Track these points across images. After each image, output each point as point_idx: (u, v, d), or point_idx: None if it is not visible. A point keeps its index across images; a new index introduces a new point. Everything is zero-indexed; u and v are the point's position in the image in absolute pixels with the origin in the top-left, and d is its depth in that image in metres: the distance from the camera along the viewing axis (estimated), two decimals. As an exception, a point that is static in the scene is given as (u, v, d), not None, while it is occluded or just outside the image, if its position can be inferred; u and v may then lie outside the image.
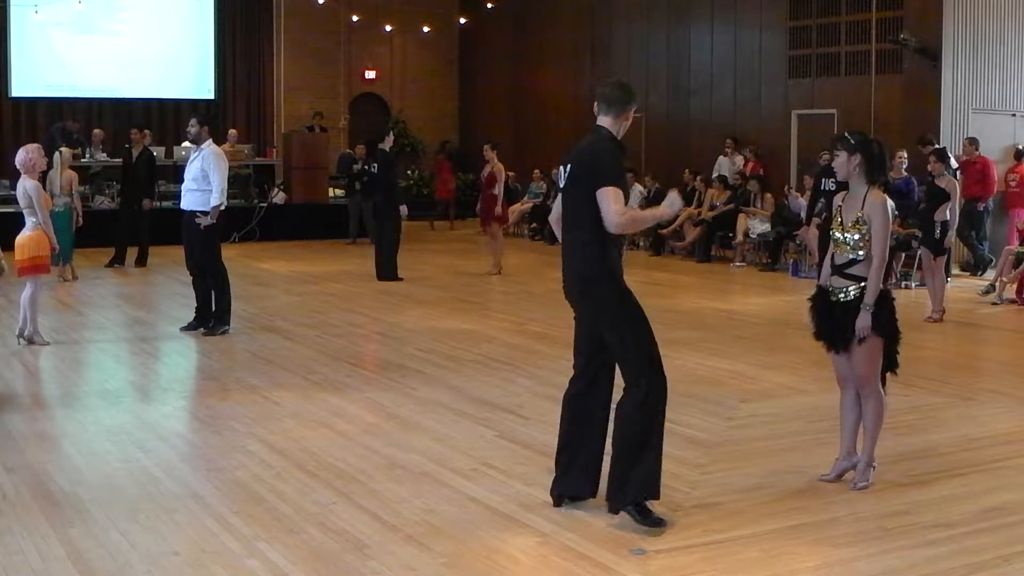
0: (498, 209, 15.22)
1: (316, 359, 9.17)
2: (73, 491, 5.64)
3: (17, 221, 16.27)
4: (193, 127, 10.39)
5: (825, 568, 4.70)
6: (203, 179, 10.10)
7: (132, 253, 15.90)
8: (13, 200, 19.26)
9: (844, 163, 5.66)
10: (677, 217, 15.03)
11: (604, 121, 5.39)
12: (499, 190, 15.11)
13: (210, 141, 10.32)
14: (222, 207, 10.17)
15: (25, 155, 9.58)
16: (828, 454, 6.16)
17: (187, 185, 10.29)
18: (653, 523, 5.05)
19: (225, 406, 7.74)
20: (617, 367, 5.26)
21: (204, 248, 10.30)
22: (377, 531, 5.05)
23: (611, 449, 5.20)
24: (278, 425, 6.97)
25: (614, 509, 5.16)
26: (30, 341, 9.61)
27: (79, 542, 4.90)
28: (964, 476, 5.98)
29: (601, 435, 5.35)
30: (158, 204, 18.43)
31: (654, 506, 5.14)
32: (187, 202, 10.29)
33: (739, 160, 17.91)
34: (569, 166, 5.33)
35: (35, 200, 9.47)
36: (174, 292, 12.74)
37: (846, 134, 5.79)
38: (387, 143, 14.95)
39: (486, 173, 15.27)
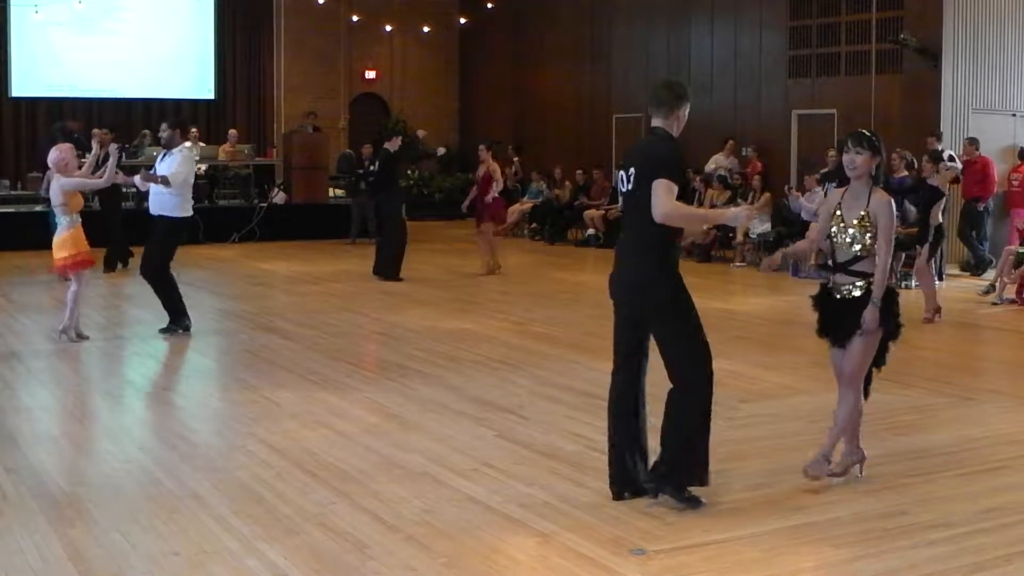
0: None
1: (316, 359, 9.17)
2: (73, 491, 5.64)
3: (16, 220, 16.33)
4: (165, 131, 10.31)
5: (825, 568, 4.70)
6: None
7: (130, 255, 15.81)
8: (12, 200, 19.42)
9: (866, 162, 5.66)
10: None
11: (657, 122, 5.44)
12: (497, 190, 15.08)
13: (183, 144, 10.23)
14: (171, 187, 9.91)
15: (58, 154, 9.69)
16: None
17: (155, 188, 10.12)
18: (691, 503, 5.29)
19: (225, 406, 7.75)
20: (664, 363, 5.38)
21: (156, 251, 10.17)
22: (377, 531, 5.05)
23: (662, 435, 5.36)
24: (278, 425, 6.97)
25: (657, 491, 5.35)
26: (77, 334, 9.76)
27: (79, 542, 4.90)
28: (964, 476, 5.98)
29: (644, 427, 5.49)
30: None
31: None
32: (155, 206, 10.16)
33: (733, 160, 17.90)
34: (632, 169, 5.35)
35: (64, 198, 9.58)
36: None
37: (869, 134, 5.77)
38: (393, 144, 14.98)
39: (481, 173, 15.25)
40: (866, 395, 5.91)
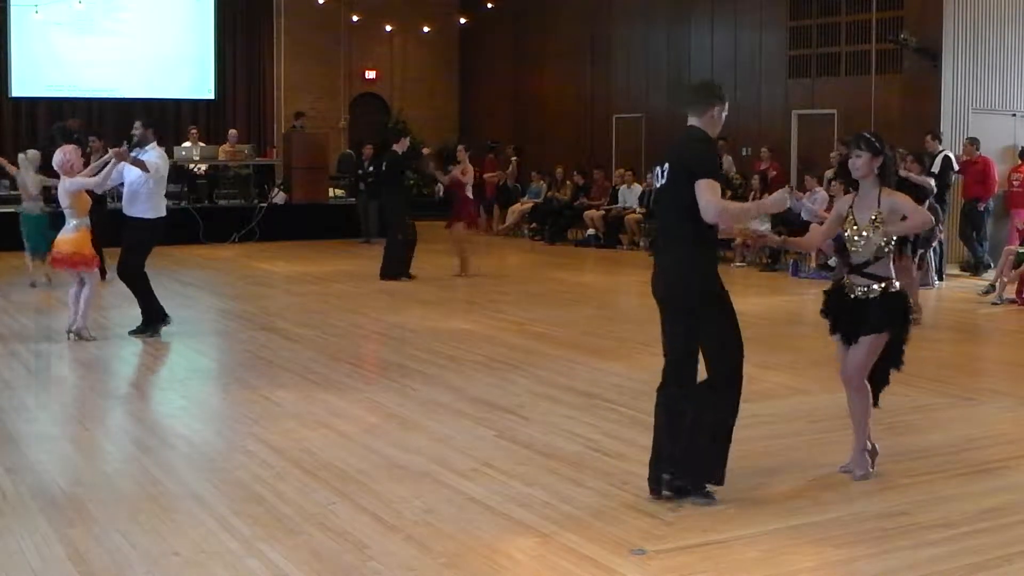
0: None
1: (316, 359, 9.17)
2: (73, 491, 5.64)
3: (16, 220, 16.28)
4: (138, 130, 10.25)
5: (825, 568, 4.70)
6: (145, 182, 9.93)
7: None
8: (13, 200, 19.39)
9: (867, 163, 5.72)
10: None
11: (693, 121, 5.46)
12: (469, 191, 14.98)
13: (154, 144, 10.16)
14: (151, 174, 9.85)
15: (62, 156, 9.74)
16: (828, 454, 6.18)
17: (129, 190, 10.07)
18: (707, 497, 5.39)
19: (225, 406, 7.75)
20: (702, 360, 5.46)
21: (134, 252, 10.11)
22: (377, 531, 5.05)
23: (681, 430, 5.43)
24: (278, 425, 6.97)
25: (673, 493, 5.40)
26: (79, 336, 9.77)
27: (79, 542, 4.90)
28: (964, 476, 5.98)
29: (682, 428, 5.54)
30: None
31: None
32: (129, 206, 10.09)
33: (728, 159, 17.82)
34: (667, 165, 5.40)
35: (71, 200, 9.63)
36: (175, 292, 12.73)
37: (868, 135, 5.83)
38: (401, 146, 14.94)
39: (456, 173, 15.15)
40: (876, 402, 5.96)
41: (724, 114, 5.47)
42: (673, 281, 5.39)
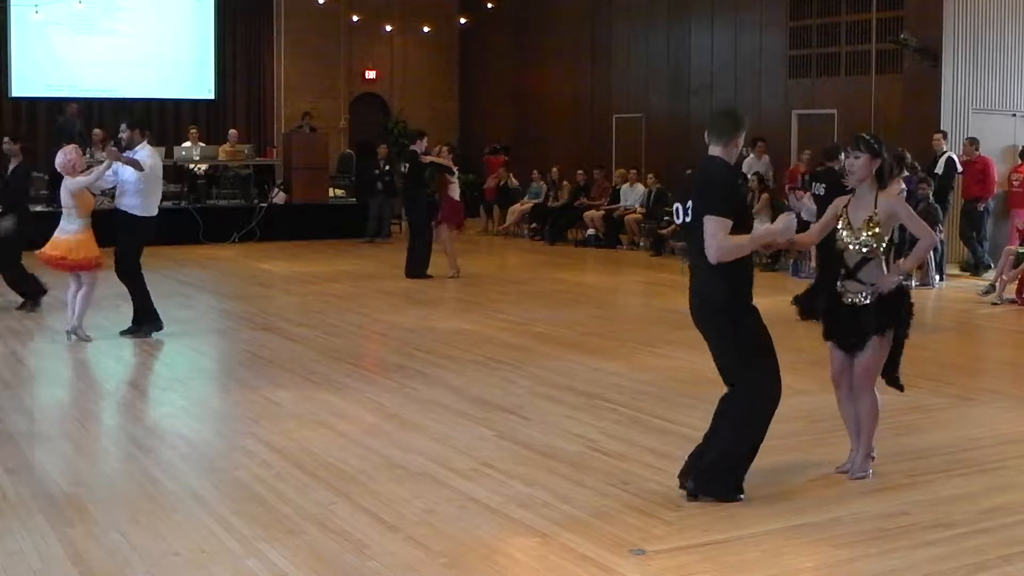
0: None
1: (316, 359, 9.17)
2: (73, 491, 5.65)
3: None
4: (124, 132, 10.20)
5: (825, 568, 4.70)
6: (137, 180, 9.88)
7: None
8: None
9: (865, 165, 5.70)
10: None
11: (715, 151, 5.49)
12: (454, 192, 14.95)
13: (144, 143, 10.06)
14: (143, 169, 9.77)
15: (64, 157, 9.73)
16: (828, 453, 6.17)
17: (121, 187, 10.02)
18: (731, 499, 5.43)
19: (225, 406, 7.75)
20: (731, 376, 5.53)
21: (128, 247, 10.07)
22: (377, 531, 5.05)
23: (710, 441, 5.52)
24: (278, 425, 6.97)
25: (695, 495, 5.45)
26: (77, 336, 9.77)
27: (79, 542, 4.90)
28: (964, 476, 5.98)
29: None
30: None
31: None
32: (119, 200, 10.06)
33: (766, 160, 17.61)
34: (689, 203, 5.41)
35: (74, 200, 9.63)
36: (175, 292, 12.74)
37: (866, 136, 5.81)
38: (420, 145, 14.88)
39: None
40: (902, 388, 6.03)
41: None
42: (703, 295, 5.47)
